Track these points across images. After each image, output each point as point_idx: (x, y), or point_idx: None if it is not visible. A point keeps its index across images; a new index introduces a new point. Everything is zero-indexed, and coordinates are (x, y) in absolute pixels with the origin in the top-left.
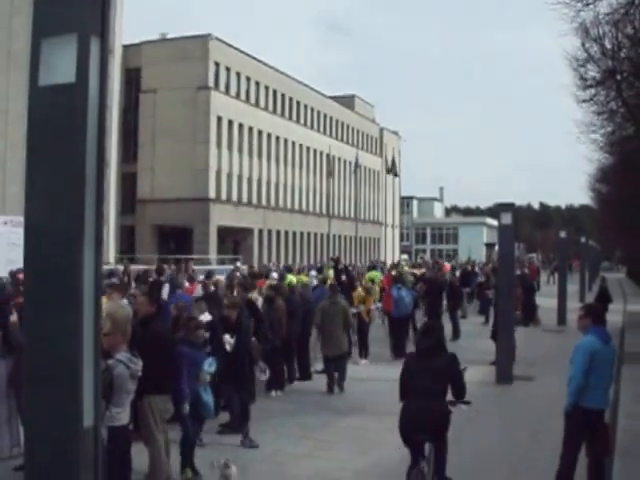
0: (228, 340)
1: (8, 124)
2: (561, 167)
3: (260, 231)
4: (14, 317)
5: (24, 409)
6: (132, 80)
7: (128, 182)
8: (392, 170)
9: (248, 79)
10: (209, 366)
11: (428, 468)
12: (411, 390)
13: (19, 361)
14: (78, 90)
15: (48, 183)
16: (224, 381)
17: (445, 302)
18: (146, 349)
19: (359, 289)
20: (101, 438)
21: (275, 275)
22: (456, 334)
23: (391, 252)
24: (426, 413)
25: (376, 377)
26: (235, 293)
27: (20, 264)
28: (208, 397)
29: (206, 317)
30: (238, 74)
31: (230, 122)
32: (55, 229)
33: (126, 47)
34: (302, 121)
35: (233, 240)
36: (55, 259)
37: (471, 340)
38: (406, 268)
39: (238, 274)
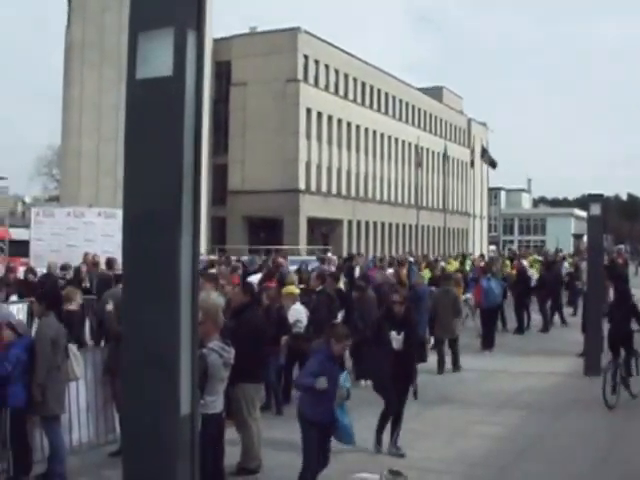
0: (395, 337)
1: (101, 118)
2: None
3: (349, 222)
4: (110, 306)
5: (119, 396)
6: (222, 73)
7: (219, 174)
8: (484, 156)
9: (337, 71)
10: (344, 381)
11: None
12: None
13: (114, 349)
14: (175, 83)
15: (146, 174)
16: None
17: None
18: (239, 338)
19: None
20: (197, 426)
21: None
22: (546, 326)
23: (479, 243)
24: None
25: (465, 367)
26: (325, 284)
27: (113, 254)
28: (347, 419)
29: (298, 307)
30: (327, 66)
31: (319, 114)
32: (153, 219)
33: (216, 41)
34: (390, 113)
35: (320, 232)
36: (153, 249)
37: (559, 331)
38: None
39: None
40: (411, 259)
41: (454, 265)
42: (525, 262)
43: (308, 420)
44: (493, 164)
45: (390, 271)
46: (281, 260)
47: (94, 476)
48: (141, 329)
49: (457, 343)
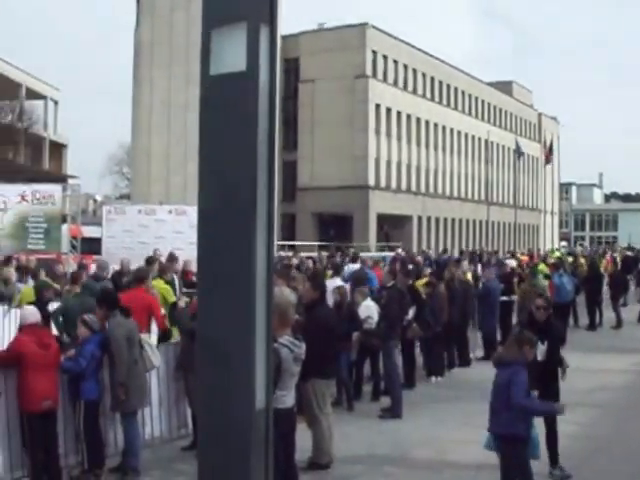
0: (539, 346)
1: (170, 116)
2: None
3: (419, 218)
4: (182, 303)
5: (191, 391)
6: (291, 70)
7: (288, 170)
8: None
9: (405, 67)
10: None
11: None
12: None
13: (187, 345)
14: (249, 78)
15: (220, 171)
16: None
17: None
18: (310, 334)
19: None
20: (271, 420)
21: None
22: (619, 323)
23: (550, 239)
24: None
25: None
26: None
27: (184, 251)
28: (535, 431)
29: (369, 303)
30: (395, 62)
31: (388, 110)
32: (228, 216)
33: (284, 38)
34: (460, 108)
35: (384, 230)
36: (228, 245)
37: (632, 328)
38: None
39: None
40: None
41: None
42: (616, 256)
43: (522, 439)
44: (548, 161)
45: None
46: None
47: (167, 470)
48: (216, 323)
49: None
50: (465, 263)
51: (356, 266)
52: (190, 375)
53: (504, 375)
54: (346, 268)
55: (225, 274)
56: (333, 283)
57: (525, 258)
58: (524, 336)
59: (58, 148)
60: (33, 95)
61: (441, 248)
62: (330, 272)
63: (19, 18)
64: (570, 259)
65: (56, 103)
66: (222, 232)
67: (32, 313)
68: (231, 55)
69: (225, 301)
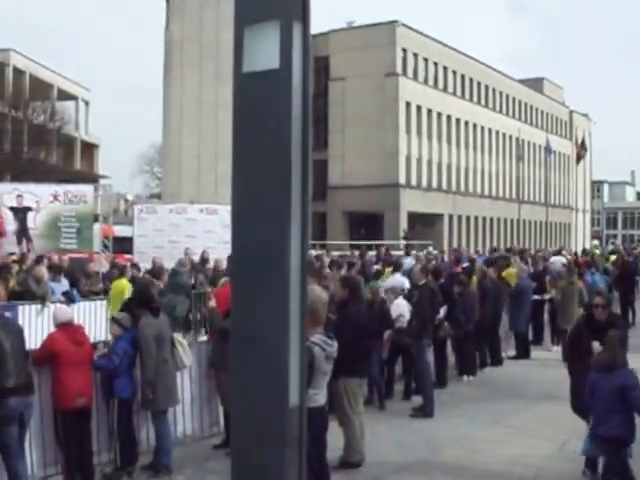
0: (597, 348)
1: (201, 115)
2: None
3: (450, 216)
4: (212, 302)
5: (223, 389)
6: (321, 68)
7: (319, 169)
8: (584, 150)
9: (435, 64)
10: None
11: None
12: None
13: (219, 344)
14: (282, 75)
15: (254, 169)
16: None
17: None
18: (341, 332)
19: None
20: (305, 418)
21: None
22: None
23: (582, 237)
24: None
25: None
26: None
27: (215, 249)
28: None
29: (400, 301)
30: (425, 59)
31: (419, 107)
32: (261, 214)
33: (314, 36)
34: (490, 105)
35: (403, 231)
36: (262, 243)
37: None
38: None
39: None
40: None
41: None
42: None
43: (630, 441)
44: (580, 159)
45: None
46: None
47: (198, 468)
48: (250, 322)
49: None
50: (517, 260)
51: (410, 260)
52: (222, 374)
53: (617, 378)
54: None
55: (259, 273)
56: (394, 280)
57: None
58: (624, 337)
59: (89, 148)
60: (64, 96)
61: (472, 246)
62: (389, 269)
63: (50, 19)
64: (613, 257)
65: (87, 103)
66: (256, 231)
67: (64, 311)
68: (264, 53)
69: (259, 300)
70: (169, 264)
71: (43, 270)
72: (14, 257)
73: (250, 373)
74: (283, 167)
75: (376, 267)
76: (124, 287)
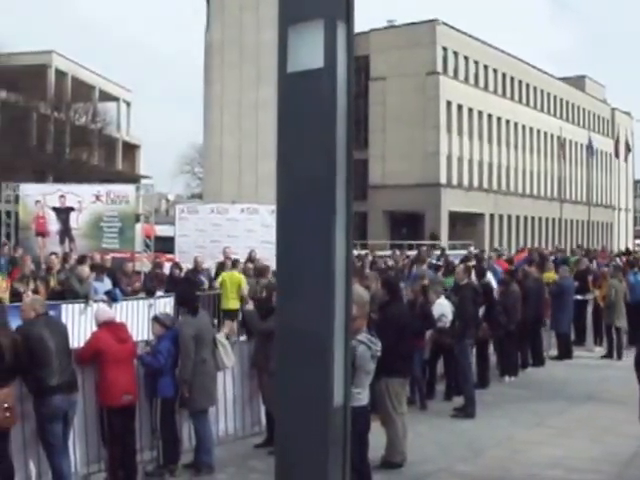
0: None
1: (241, 116)
2: None
3: (491, 216)
4: (250, 305)
5: (265, 389)
6: (361, 68)
7: (360, 169)
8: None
9: (476, 63)
10: None
11: None
12: None
13: (260, 344)
14: (326, 74)
15: (299, 169)
16: None
17: None
18: (383, 332)
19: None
20: (349, 417)
21: None
22: None
23: (624, 237)
24: None
25: (610, 365)
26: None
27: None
28: None
29: (443, 301)
30: (466, 58)
31: (459, 106)
32: (306, 213)
33: (355, 35)
34: (532, 104)
35: (431, 233)
36: (306, 242)
37: None
38: None
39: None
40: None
41: None
42: None
43: None
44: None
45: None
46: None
47: (240, 467)
48: (294, 320)
49: (624, 333)
50: (585, 260)
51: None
52: (264, 373)
53: None
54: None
55: (304, 272)
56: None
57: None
58: None
59: (131, 149)
60: (106, 97)
61: (514, 246)
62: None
63: (89, 20)
64: None
65: (128, 104)
66: (301, 230)
67: (106, 311)
68: (308, 52)
69: (304, 298)
70: (210, 264)
71: (87, 269)
72: (54, 257)
73: (295, 371)
74: (328, 166)
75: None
76: (238, 279)
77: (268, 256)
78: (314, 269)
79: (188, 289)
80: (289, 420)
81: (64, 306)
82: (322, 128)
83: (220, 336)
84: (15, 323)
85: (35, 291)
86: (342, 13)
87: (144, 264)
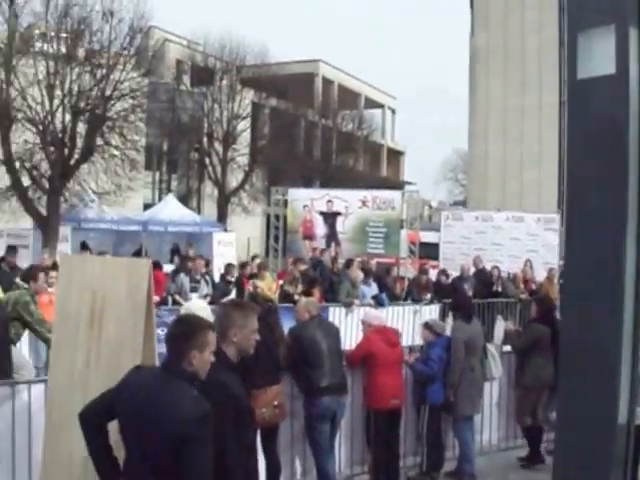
0: None
1: (507, 122)
2: None
3: None
4: (510, 324)
5: (518, 402)
6: None
7: None
8: None
9: None
10: None
11: None
12: None
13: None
14: (618, 82)
15: (588, 174)
16: None
17: None
18: None
19: None
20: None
21: None
22: None
23: None
24: None
25: None
26: None
27: (520, 258)
28: None
29: None
30: None
31: None
32: (596, 219)
33: None
34: None
35: None
36: (596, 250)
37: None
38: None
39: None
40: None
41: None
42: None
43: None
44: None
45: None
46: None
47: (501, 478)
48: (581, 334)
49: None
50: None
51: None
52: (518, 388)
53: None
54: None
55: (593, 281)
56: None
57: None
58: None
59: (395, 155)
60: (371, 104)
61: None
62: None
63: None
64: None
65: (393, 111)
66: (589, 237)
67: (376, 315)
68: (599, 58)
69: (591, 312)
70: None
71: (359, 272)
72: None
73: (579, 386)
74: (619, 172)
75: None
76: None
77: (536, 266)
78: (604, 278)
79: (464, 295)
80: (571, 436)
81: (331, 309)
82: (613, 135)
83: (491, 346)
84: (285, 324)
85: (307, 293)
86: (634, 18)
87: (408, 270)
